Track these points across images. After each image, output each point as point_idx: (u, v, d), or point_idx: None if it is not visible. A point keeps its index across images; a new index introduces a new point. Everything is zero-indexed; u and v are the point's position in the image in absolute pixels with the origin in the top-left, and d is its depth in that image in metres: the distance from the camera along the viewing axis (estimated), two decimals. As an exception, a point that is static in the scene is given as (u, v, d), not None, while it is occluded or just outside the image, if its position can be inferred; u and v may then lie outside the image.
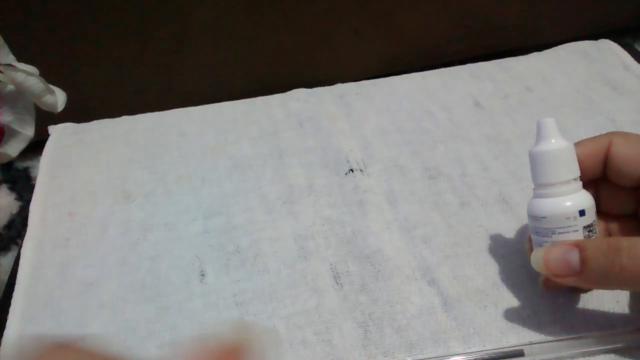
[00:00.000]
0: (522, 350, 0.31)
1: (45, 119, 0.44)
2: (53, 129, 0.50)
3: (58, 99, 0.40)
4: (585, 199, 0.30)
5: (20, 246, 0.40)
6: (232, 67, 0.89)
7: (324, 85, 0.53)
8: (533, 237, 0.32)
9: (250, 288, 0.36)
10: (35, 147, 0.45)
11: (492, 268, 0.36)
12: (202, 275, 0.37)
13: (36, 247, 0.40)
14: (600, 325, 0.32)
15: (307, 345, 0.33)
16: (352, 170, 0.44)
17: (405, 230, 0.39)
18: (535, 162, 0.31)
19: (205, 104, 0.53)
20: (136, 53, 0.84)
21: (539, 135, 0.31)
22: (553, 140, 0.31)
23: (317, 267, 0.37)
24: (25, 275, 0.38)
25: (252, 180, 0.44)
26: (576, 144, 0.32)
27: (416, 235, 0.39)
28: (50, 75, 0.40)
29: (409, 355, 0.32)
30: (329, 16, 0.87)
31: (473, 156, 0.44)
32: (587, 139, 0.32)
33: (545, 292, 0.34)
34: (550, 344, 0.31)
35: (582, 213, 0.30)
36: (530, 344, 0.31)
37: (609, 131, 0.32)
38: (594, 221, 0.30)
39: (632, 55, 0.52)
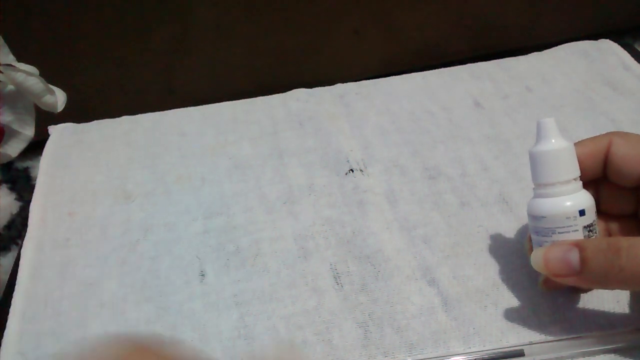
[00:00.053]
0: (522, 350, 0.31)
1: (45, 119, 0.44)
2: (53, 129, 0.50)
3: (58, 99, 0.40)
4: (585, 199, 0.30)
5: (21, 246, 0.40)
6: (232, 67, 0.89)
7: (324, 85, 0.53)
8: (533, 237, 0.32)
9: (250, 288, 0.36)
10: (35, 147, 0.45)
11: (492, 268, 0.36)
12: (202, 275, 0.37)
13: (36, 247, 0.40)
14: (600, 325, 0.32)
15: (307, 345, 0.33)
16: (352, 170, 0.44)
17: (405, 230, 0.39)
18: (535, 162, 0.31)
19: (205, 104, 0.53)
20: (136, 53, 0.84)
21: (539, 135, 0.31)
22: (553, 140, 0.31)
23: (317, 267, 0.37)
24: (25, 275, 0.38)
25: (252, 180, 0.44)
26: (576, 144, 0.32)
27: (416, 235, 0.39)
28: (50, 75, 0.40)
29: (409, 355, 0.32)
30: (329, 16, 0.87)
31: (473, 156, 0.44)
32: (587, 139, 0.32)
33: (545, 292, 0.34)
34: (550, 344, 0.31)
35: (582, 213, 0.30)
36: (531, 344, 0.31)
37: (609, 131, 0.32)
38: (594, 221, 0.30)
39: (632, 55, 0.52)
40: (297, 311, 0.35)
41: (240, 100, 0.53)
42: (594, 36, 0.56)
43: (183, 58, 0.86)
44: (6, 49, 0.38)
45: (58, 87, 0.41)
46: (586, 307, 0.33)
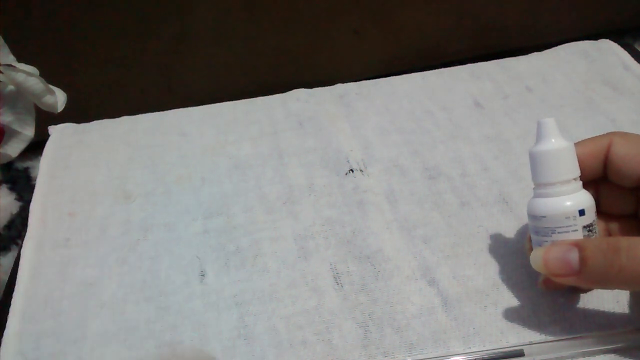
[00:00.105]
0: (522, 350, 0.31)
1: (45, 119, 0.44)
2: (53, 129, 0.50)
3: (58, 99, 0.40)
4: (585, 199, 0.30)
5: (20, 246, 0.40)
6: (232, 67, 0.89)
7: (324, 85, 0.53)
8: (533, 236, 0.32)
9: (250, 288, 0.36)
10: (35, 147, 0.45)
11: (492, 268, 0.36)
12: (202, 275, 0.37)
13: (36, 247, 0.40)
14: (600, 325, 0.32)
15: (307, 345, 0.33)
16: (352, 170, 0.44)
17: (405, 230, 0.39)
18: (535, 161, 0.31)
19: (205, 104, 0.53)
20: (136, 53, 0.84)
21: (539, 135, 0.31)
22: (553, 140, 0.31)
23: (317, 267, 0.37)
24: (25, 275, 0.38)
25: (252, 180, 0.44)
26: (576, 144, 0.32)
27: (416, 235, 0.39)
28: (50, 75, 0.40)
29: (409, 355, 0.32)
30: (329, 16, 0.87)
31: (473, 156, 0.44)
32: (587, 139, 0.32)
33: (545, 292, 0.34)
34: (550, 344, 0.31)
35: (581, 213, 0.30)
36: (530, 344, 0.31)
37: (609, 131, 0.32)
38: (593, 221, 0.30)
39: (632, 55, 0.52)
40: (297, 311, 0.35)
41: (240, 100, 0.53)
42: (594, 36, 0.56)
43: (183, 58, 0.86)
44: (6, 49, 0.38)
45: (58, 87, 0.41)
46: (586, 307, 0.33)
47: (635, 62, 0.51)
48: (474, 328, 0.33)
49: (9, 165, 0.92)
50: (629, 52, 0.52)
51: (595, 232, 0.31)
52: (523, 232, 0.38)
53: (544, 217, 0.31)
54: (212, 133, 0.49)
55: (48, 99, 0.39)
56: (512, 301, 0.34)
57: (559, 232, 0.30)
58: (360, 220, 0.40)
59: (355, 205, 0.41)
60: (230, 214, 0.41)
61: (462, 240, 0.38)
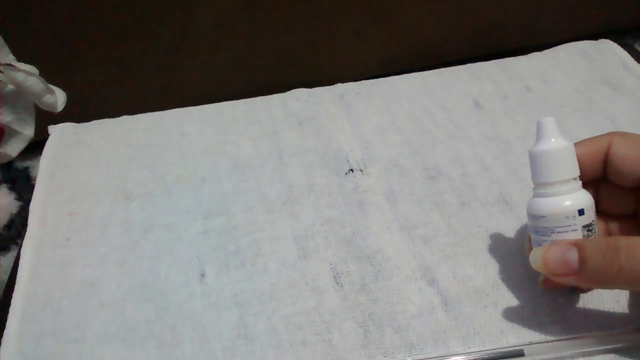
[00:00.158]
0: (522, 350, 0.31)
1: (45, 119, 0.44)
2: (53, 129, 0.50)
3: (58, 99, 0.40)
4: (584, 199, 0.30)
5: (20, 246, 0.40)
6: (232, 67, 0.89)
7: (324, 85, 0.53)
8: (532, 236, 0.32)
9: (250, 288, 0.36)
10: (35, 147, 0.45)
11: (492, 268, 0.36)
12: (202, 275, 0.37)
13: (36, 247, 0.40)
14: (600, 325, 0.32)
15: (307, 345, 0.33)
16: (352, 170, 0.44)
17: (405, 230, 0.39)
18: (535, 161, 0.31)
19: (205, 104, 0.53)
20: (136, 53, 0.84)
21: (538, 135, 0.31)
22: (553, 140, 0.31)
23: (317, 267, 0.37)
24: (25, 275, 0.38)
25: (252, 180, 0.44)
26: (576, 144, 0.32)
27: (416, 235, 0.39)
28: (50, 75, 0.40)
29: (409, 355, 0.32)
30: (329, 16, 0.87)
31: (473, 156, 0.44)
32: (587, 139, 0.32)
33: (545, 292, 0.34)
34: (550, 344, 0.31)
35: (581, 212, 0.30)
36: (530, 344, 0.31)
37: (609, 131, 0.32)
38: (593, 221, 0.31)
39: (632, 55, 0.52)
40: (297, 311, 0.35)
41: (240, 100, 0.53)
42: (594, 36, 0.56)
43: (183, 58, 0.86)
44: (6, 49, 0.38)
45: (58, 87, 0.41)
46: (586, 307, 0.33)
47: (635, 62, 0.51)
48: (474, 328, 0.33)
49: (9, 165, 0.92)
50: (629, 52, 0.52)
51: (595, 232, 0.31)
52: (523, 232, 0.38)
53: (544, 216, 0.31)
54: (212, 133, 0.49)
55: (48, 98, 0.39)
56: (512, 301, 0.34)
57: (558, 232, 0.30)
58: (360, 220, 0.40)
59: (355, 205, 0.41)
60: (230, 214, 0.41)
61: (462, 240, 0.38)
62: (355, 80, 0.54)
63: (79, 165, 0.47)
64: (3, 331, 0.35)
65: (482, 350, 0.31)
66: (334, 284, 0.36)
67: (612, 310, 0.33)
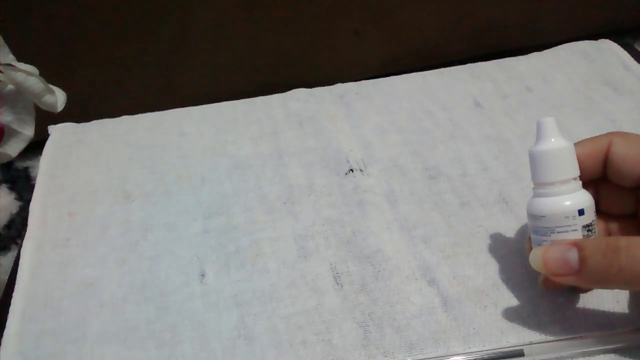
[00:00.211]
0: (522, 350, 0.31)
1: (45, 119, 0.44)
2: (53, 129, 0.50)
3: (58, 99, 0.40)
4: (584, 199, 0.30)
5: (20, 246, 0.40)
6: (232, 67, 0.89)
7: (324, 85, 0.53)
8: (532, 236, 0.32)
9: (250, 288, 0.36)
10: (35, 147, 0.45)
11: (492, 268, 0.36)
12: (202, 275, 0.37)
13: (36, 247, 0.40)
14: (600, 325, 0.32)
15: (307, 345, 0.33)
16: (352, 170, 0.44)
17: (405, 230, 0.39)
18: (534, 161, 0.31)
19: (205, 104, 0.53)
20: (136, 53, 0.84)
21: (538, 135, 0.31)
22: (553, 140, 0.31)
23: (317, 267, 0.37)
24: (25, 275, 0.38)
25: (252, 180, 0.44)
26: (576, 144, 0.32)
27: (416, 235, 0.39)
28: (50, 75, 0.40)
29: (409, 355, 0.32)
30: (329, 16, 0.87)
31: (473, 156, 0.44)
32: (587, 139, 0.32)
33: (545, 292, 0.34)
34: (550, 344, 0.31)
35: (581, 212, 0.30)
36: (530, 344, 0.31)
37: (609, 131, 0.32)
38: (593, 221, 0.31)
39: (632, 55, 0.52)
40: (297, 311, 0.35)
41: (240, 100, 0.53)
42: (594, 36, 0.56)
43: (183, 58, 0.86)
44: (6, 49, 0.38)
45: (58, 87, 0.41)
46: (586, 307, 0.33)
47: (635, 62, 0.51)
48: (474, 328, 0.33)
49: (9, 165, 0.92)
50: (629, 52, 0.52)
51: (595, 232, 0.31)
52: (523, 232, 0.38)
53: (544, 216, 0.31)
54: (212, 133, 0.49)
55: (48, 98, 0.39)
56: (512, 301, 0.34)
57: (558, 232, 0.30)
58: (360, 220, 0.40)
59: (355, 205, 0.41)
60: (230, 214, 0.41)
61: (462, 240, 0.38)
62: (355, 80, 0.54)
63: (79, 165, 0.47)
64: (3, 331, 0.35)
65: (482, 350, 0.31)
66: (334, 284, 0.36)
67: (612, 310, 0.33)
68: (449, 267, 0.36)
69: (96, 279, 0.38)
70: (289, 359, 0.32)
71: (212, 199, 0.43)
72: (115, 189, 0.44)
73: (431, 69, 0.54)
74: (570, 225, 0.30)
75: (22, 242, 0.41)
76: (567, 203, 0.30)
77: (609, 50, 0.53)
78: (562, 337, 0.31)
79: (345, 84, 0.53)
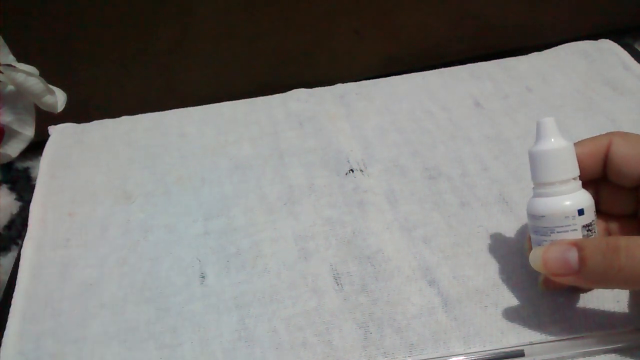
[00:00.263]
0: (523, 350, 0.31)
1: (45, 119, 0.44)
2: (53, 129, 0.50)
3: (58, 99, 0.40)
4: (584, 198, 0.30)
5: (21, 246, 0.40)
6: (232, 67, 0.89)
7: (324, 85, 0.53)
8: (532, 236, 0.32)
9: (250, 290, 0.36)
10: (36, 147, 0.45)
11: (492, 268, 0.36)
12: (203, 277, 0.37)
13: (36, 248, 0.40)
14: (601, 325, 0.32)
15: (308, 346, 0.33)
16: (352, 170, 0.44)
17: (405, 230, 0.39)
18: (534, 161, 0.31)
19: (205, 104, 0.53)
20: (136, 53, 0.84)
21: (538, 135, 0.31)
22: (552, 140, 0.31)
23: (317, 267, 0.37)
24: (25, 276, 0.38)
25: (252, 180, 0.44)
26: (576, 144, 0.32)
27: (416, 235, 0.39)
28: (50, 75, 0.40)
29: (409, 356, 0.32)
30: (329, 16, 0.87)
31: (473, 156, 0.44)
32: (587, 139, 0.32)
33: (545, 292, 0.34)
34: (550, 344, 0.31)
35: (581, 212, 0.30)
36: (531, 344, 0.31)
37: (609, 131, 0.32)
38: (592, 220, 0.31)
39: (632, 55, 0.52)
40: (298, 312, 0.35)
41: (240, 100, 0.53)
42: (594, 36, 0.56)
43: (183, 58, 0.86)
44: (6, 49, 0.38)
45: (58, 87, 0.41)
46: (586, 307, 0.33)
47: (635, 62, 0.51)
48: (474, 328, 0.33)
49: (9, 165, 0.92)
50: (629, 52, 0.52)
51: (595, 232, 0.31)
52: (523, 232, 0.38)
53: (543, 216, 0.31)
54: (212, 133, 0.49)
55: (48, 99, 0.39)
56: (512, 301, 0.34)
57: (558, 232, 0.30)
58: (360, 220, 0.40)
59: (355, 205, 0.41)
60: (230, 215, 0.41)
61: (462, 240, 0.38)
62: (355, 80, 0.54)
63: (79, 165, 0.47)
64: (3, 331, 0.35)
65: (482, 351, 0.31)
66: (334, 285, 0.36)
67: (612, 310, 0.33)
68: (449, 267, 0.36)
69: (96, 280, 0.38)
70: None
71: (212, 200, 0.43)
72: (116, 190, 0.44)
73: (431, 69, 0.54)
74: (570, 225, 0.30)
75: (22, 243, 0.41)
76: (567, 203, 0.30)
77: (609, 50, 0.53)
78: (563, 337, 0.31)
79: (345, 84, 0.53)
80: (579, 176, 0.31)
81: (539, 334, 0.32)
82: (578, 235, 0.30)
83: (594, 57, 0.52)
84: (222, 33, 0.85)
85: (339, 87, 0.53)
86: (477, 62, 0.54)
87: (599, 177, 0.33)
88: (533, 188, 0.32)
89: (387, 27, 0.91)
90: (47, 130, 0.50)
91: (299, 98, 0.51)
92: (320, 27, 0.88)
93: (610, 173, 0.32)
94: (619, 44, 0.54)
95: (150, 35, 0.82)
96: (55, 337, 0.34)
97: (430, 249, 0.38)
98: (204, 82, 0.88)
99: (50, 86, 0.39)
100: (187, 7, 0.81)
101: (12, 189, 0.90)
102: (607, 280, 0.28)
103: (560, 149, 0.31)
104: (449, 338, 0.33)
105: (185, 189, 0.44)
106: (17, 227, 0.85)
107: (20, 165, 0.92)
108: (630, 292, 0.33)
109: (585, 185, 0.31)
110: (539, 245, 0.31)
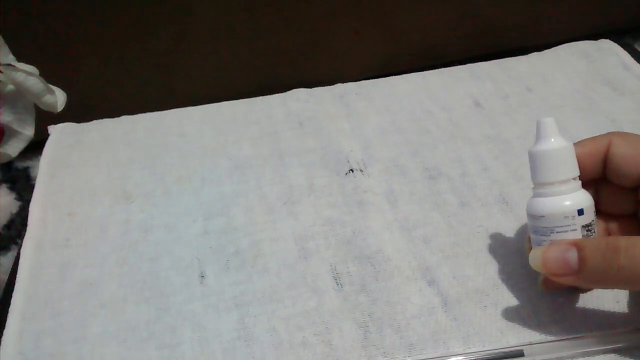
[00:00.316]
0: (522, 350, 0.31)
1: (45, 119, 0.44)
2: (53, 129, 0.50)
3: (58, 99, 0.40)
4: (584, 198, 0.30)
5: (20, 246, 0.40)
6: (232, 67, 0.89)
7: (324, 85, 0.53)
8: (532, 236, 0.32)
9: (250, 289, 0.36)
10: (35, 147, 0.45)
11: (492, 268, 0.36)
12: (202, 276, 0.37)
13: (36, 247, 0.40)
14: (600, 325, 0.32)
15: (307, 346, 0.33)
16: (352, 170, 0.44)
17: (405, 230, 0.39)
18: (534, 161, 0.31)
19: (205, 104, 0.53)
20: (136, 53, 0.84)
21: (538, 135, 0.31)
22: (552, 140, 0.31)
23: (317, 267, 0.37)
24: (25, 275, 0.38)
25: (252, 180, 0.44)
26: (576, 144, 0.32)
27: (416, 235, 0.39)
28: (50, 75, 0.40)
29: (409, 356, 0.32)
30: (329, 16, 0.87)
31: (473, 156, 0.44)
32: (587, 139, 0.32)
33: (545, 292, 0.34)
34: (550, 344, 0.31)
35: (580, 212, 0.30)
36: (530, 344, 0.31)
37: (609, 131, 0.32)
38: (592, 220, 0.31)
39: (632, 55, 0.52)
40: (297, 312, 0.35)
41: (240, 100, 0.53)
42: (594, 36, 0.56)
43: (183, 58, 0.86)
44: (6, 49, 0.38)
45: (58, 87, 0.41)
46: (586, 307, 0.33)
47: (635, 62, 0.51)
48: (473, 328, 0.33)
49: (9, 165, 0.92)
50: (629, 52, 0.52)
51: (594, 232, 0.31)
52: (523, 232, 0.38)
53: (543, 216, 0.31)
54: (212, 133, 0.49)
55: (48, 98, 0.39)
56: (512, 301, 0.34)
57: (557, 232, 0.30)
58: (360, 220, 0.40)
59: (355, 205, 0.41)
60: (230, 215, 0.41)
61: (462, 240, 0.38)
62: (355, 80, 0.54)
63: (79, 165, 0.47)
64: (3, 331, 0.35)
65: (482, 351, 0.31)
66: (334, 285, 0.36)
67: (612, 310, 0.33)
68: (449, 267, 0.36)
69: (96, 279, 0.38)
70: None
71: (212, 200, 0.43)
72: (115, 190, 0.44)
73: (431, 69, 0.54)
74: (569, 225, 0.30)
75: (22, 242, 0.41)
76: (567, 203, 0.30)
77: (609, 50, 0.53)
78: (562, 337, 0.31)
79: (345, 84, 0.53)
80: (579, 176, 0.31)
81: (538, 334, 0.32)
82: (578, 235, 0.30)
83: (594, 57, 0.52)
84: (222, 33, 0.85)
85: (339, 87, 0.53)
86: (477, 62, 0.54)
87: (599, 177, 0.33)
88: (533, 188, 0.32)
89: (387, 27, 0.91)
90: (47, 130, 0.50)
91: (298, 98, 0.51)
92: (320, 27, 0.88)
93: (610, 173, 0.32)
94: (619, 44, 0.54)
95: (150, 35, 0.82)
96: (55, 337, 0.34)
97: (430, 249, 0.38)
98: (204, 82, 0.88)
99: (50, 86, 0.39)
100: (187, 7, 0.81)
101: (11, 188, 0.90)
102: (607, 280, 0.28)
103: (560, 149, 0.31)
104: (448, 338, 0.33)
105: (185, 189, 0.44)
106: (17, 226, 0.85)
107: (20, 164, 0.92)
108: (630, 292, 0.33)
109: (585, 185, 0.31)
110: (539, 245, 0.31)
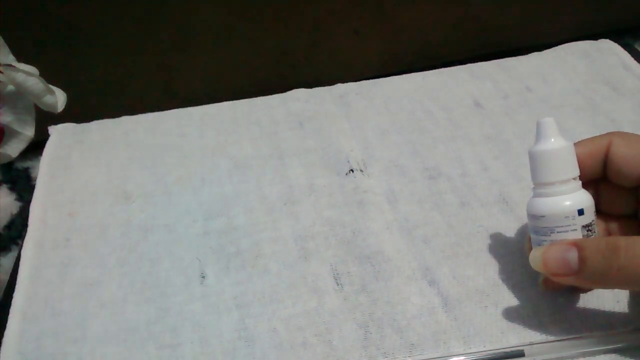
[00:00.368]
0: (523, 350, 0.31)
1: (45, 119, 0.44)
2: (53, 129, 0.50)
3: (58, 99, 0.40)
4: (584, 198, 0.30)
5: (21, 246, 0.40)
6: (232, 67, 0.89)
7: (324, 85, 0.53)
8: (532, 236, 0.32)
9: (250, 290, 0.36)
10: (36, 147, 0.45)
11: (492, 268, 0.36)
12: (203, 277, 0.37)
13: (36, 248, 0.40)
14: (600, 325, 0.32)
15: (308, 346, 0.33)
16: (352, 170, 0.44)
17: (405, 230, 0.39)
18: (534, 161, 0.31)
19: (205, 104, 0.53)
20: (136, 53, 0.84)
21: (538, 135, 0.31)
22: (552, 140, 0.31)
23: (317, 268, 0.37)
24: (25, 276, 0.38)
25: (252, 180, 0.44)
26: (576, 144, 0.32)
27: (416, 235, 0.39)
28: (50, 75, 0.40)
29: (409, 356, 0.32)
30: (329, 16, 0.87)
31: (473, 156, 0.44)
32: (587, 139, 0.32)
33: (545, 292, 0.34)
34: (550, 344, 0.31)
35: (580, 212, 0.30)
36: (531, 344, 0.31)
37: (609, 131, 0.32)
38: (592, 220, 0.31)
39: (632, 55, 0.52)
40: (298, 312, 0.35)
41: (240, 100, 0.53)
42: (594, 36, 0.56)
43: (183, 58, 0.86)
44: (6, 49, 0.38)
45: (58, 87, 0.41)
46: (586, 307, 0.33)
47: (635, 62, 0.51)
48: (474, 328, 0.33)
49: (9, 165, 0.92)
50: (629, 52, 0.52)
51: (595, 232, 0.31)
52: (523, 232, 0.38)
53: (543, 216, 0.31)
54: (212, 133, 0.49)
55: (48, 99, 0.39)
56: (513, 301, 0.34)
57: (558, 232, 0.30)
58: (360, 220, 0.40)
59: (355, 205, 0.41)
60: (230, 215, 0.41)
61: (462, 240, 0.38)
62: (355, 80, 0.54)
63: (79, 165, 0.47)
64: (3, 331, 0.35)
65: (482, 351, 0.31)
66: (334, 285, 0.36)
67: (612, 310, 0.33)
68: (449, 267, 0.36)
69: (96, 280, 0.38)
70: None
71: (212, 200, 0.43)
72: (116, 190, 0.44)
73: (431, 69, 0.54)
74: (570, 225, 0.30)
75: (22, 243, 0.41)
76: (567, 203, 0.30)
77: (609, 50, 0.53)
78: (563, 338, 0.31)
79: (345, 84, 0.53)
80: (579, 176, 0.31)
81: (539, 334, 0.32)
82: (578, 235, 0.30)
83: (594, 57, 0.52)
84: (222, 33, 0.85)
85: (339, 87, 0.53)
86: (477, 62, 0.54)
87: (599, 177, 0.33)
88: (533, 188, 0.32)
89: (387, 27, 0.91)
90: (47, 130, 0.50)
91: (298, 98, 0.51)
92: (320, 27, 0.88)
93: (610, 173, 0.32)
94: (619, 44, 0.54)
95: (150, 35, 0.82)
96: (55, 337, 0.34)
97: (430, 249, 0.38)
98: (204, 82, 0.88)
99: (50, 86, 0.39)
100: (187, 7, 0.81)
101: (12, 189, 0.90)
102: (607, 280, 0.28)
103: (560, 149, 0.31)
104: (449, 338, 0.33)
105: (185, 189, 0.44)
106: (17, 227, 0.85)
107: (20, 165, 0.92)
108: (630, 292, 0.33)
109: (585, 185, 0.31)
110: (539, 245, 0.31)
